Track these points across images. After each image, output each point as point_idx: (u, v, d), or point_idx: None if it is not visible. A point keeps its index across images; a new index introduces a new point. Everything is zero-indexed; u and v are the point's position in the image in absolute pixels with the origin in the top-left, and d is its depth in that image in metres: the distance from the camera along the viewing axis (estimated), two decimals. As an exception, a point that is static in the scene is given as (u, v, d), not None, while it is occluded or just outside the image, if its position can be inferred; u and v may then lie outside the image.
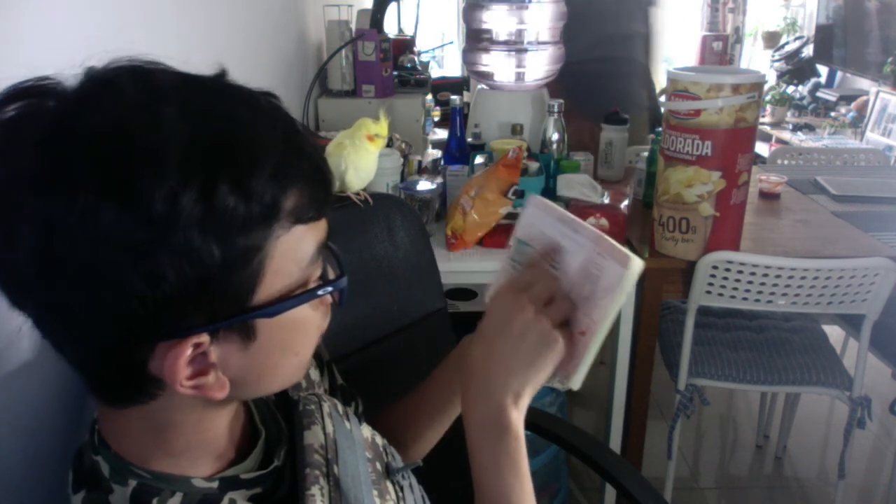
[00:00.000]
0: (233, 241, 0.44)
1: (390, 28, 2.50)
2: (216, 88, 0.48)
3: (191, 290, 0.43)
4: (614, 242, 0.63)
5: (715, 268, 1.52)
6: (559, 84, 2.14)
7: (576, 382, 0.64)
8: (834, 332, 1.93)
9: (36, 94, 0.44)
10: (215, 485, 0.53)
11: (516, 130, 1.97)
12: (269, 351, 0.51)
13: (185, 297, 0.43)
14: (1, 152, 0.43)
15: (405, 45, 2.50)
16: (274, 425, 0.63)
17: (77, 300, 0.43)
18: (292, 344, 0.53)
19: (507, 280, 0.67)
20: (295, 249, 0.48)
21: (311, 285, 0.52)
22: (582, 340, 0.63)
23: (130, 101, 0.43)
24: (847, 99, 4.07)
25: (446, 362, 0.82)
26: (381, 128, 1.25)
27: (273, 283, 0.48)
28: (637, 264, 0.61)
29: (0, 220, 0.42)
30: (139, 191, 0.41)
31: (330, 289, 0.53)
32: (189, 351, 0.46)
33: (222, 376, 0.49)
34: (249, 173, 0.44)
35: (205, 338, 0.46)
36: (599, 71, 2.22)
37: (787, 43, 4.64)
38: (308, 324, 0.53)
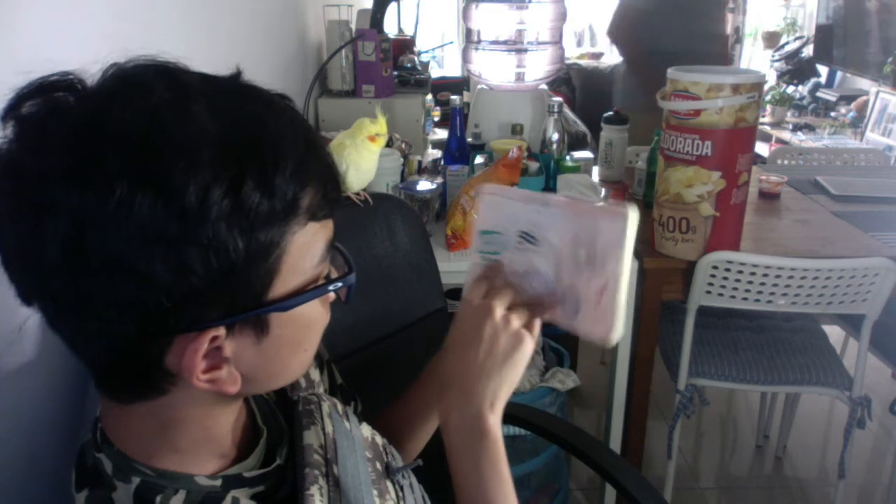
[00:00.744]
0: (255, 236, 0.45)
1: (390, 28, 2.50)
2: (237, 89, 0.49)
3: (214, 283, 0.44)
4: (593, 203, 0.64)
5: (715, 268, 1.52)
6: (646, 72, 2.39)
7: (615, 336, 0.65)
8: (834, 332, 1.93)
9: (61, 88, 0.45)
10: (218, 483, 0.53)
11: (516, 130, 1.97)
12: (280, 347, 0.52)
13: (209, 290, 0.44)
14: (30, 146, 0.43)
15: (405, 45, 2.50)
16: (275, 424, 0.63)
17: (102, 292, 0.43)
18: (302, 340, 0.54)
19: (467, 288, 0.68)
20: (308, 246, 0.50)
21: (322, 282, 0.53)
22: (605, 297, 0.64)
23: (160, 98, 0.44)
24: (847, 99, 4.07)
25: (434, 362, 0.83)
26: (381, 126, 1.25)
27: (288, 278, 0.49)
28: (632, 214, 0.62)
29: (28, 212, 0.43)
30: (174, 184, 0.42)
31: (340, 284, 0.54)
32: (206, 344, 0.46)
33: (235, 371, 0.50)
34: (273, 171, 0.45)
35: (221, 331, 0.47)
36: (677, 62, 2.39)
37: (787, 43, 4.64)
38: (318, 320, 0.55)
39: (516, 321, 0.64)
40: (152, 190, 0.41)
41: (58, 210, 0.42)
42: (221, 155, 0.43)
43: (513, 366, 0.63)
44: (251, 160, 0.44)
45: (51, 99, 0.44)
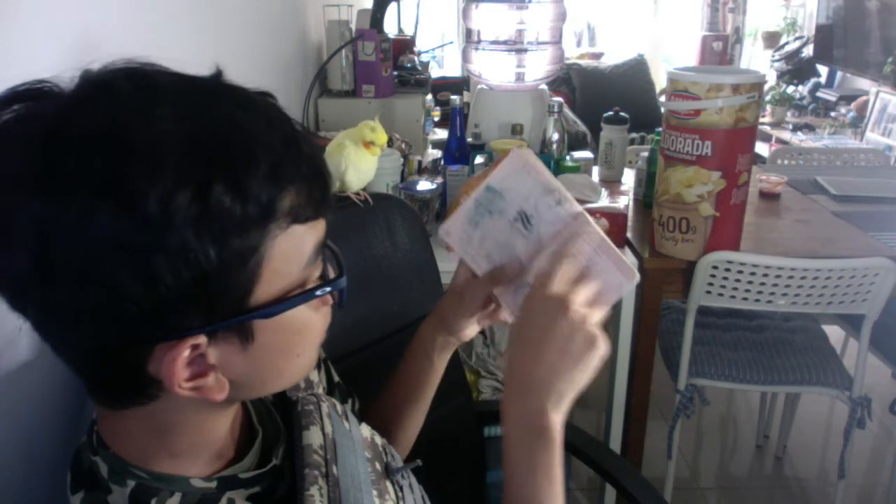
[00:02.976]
0: (229, 242, 0.43)
1: (390, 28, 2.50)
2: (212, 89, 0.47)
3: (188, 292, 0.43)
4: (603, 238, 0.64)
5: (715, 268, 1.52)
6: None
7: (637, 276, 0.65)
8: (834, 332, 1.93)
9: (33, 97, 0.44)
10: (213, 484, 0.53)
11: (516, 130, 1.97)
12: (270, 353, 0.50)
13: (182, 299, 0.43)
14: None
15: (405, 45, 2.50)
16: (271, 424, 0.63)
17: (74, 302, 0.43)
18: (293, 346, 0.52)
19: (537, 277, 0.64)
20: (293, 249, 0.48)
21: (310, 286, 0.51)
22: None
23: (125, 103, 0.43)
24: (847, 99, 4.07)
25: (413, 348, 0.83)
26: (379, 137, 1.24)
27: (271, 283, 0.47)
28: (636, 278, 0.63)
29: None
30: (134, 191, 0.40)
31: (328, 289, 0.52)
32: (187, 352, 0.45)
33: (222, 378, 0.49)
34: (245, 173, 0.43)
35: (202, 339, 0.46)
36: None
37: (787, 43, 4.64)
38: (309, 325, 0.53)
39: (593, 320, 0.60)
40: (113, 197, 0.40)
41: (23, 218, 0.41)
42: (187, 159, 0.42)
43: (584, 369, 0.60)
44: (220, 163, 0.43)
45: (21, 107, 0.43)
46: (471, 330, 0.79)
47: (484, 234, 0.71)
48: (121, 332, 0.44)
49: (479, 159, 1.78)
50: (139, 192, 0.40)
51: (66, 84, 0.45)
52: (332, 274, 0.55)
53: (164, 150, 0.41)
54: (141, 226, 0.41)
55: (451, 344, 0.81)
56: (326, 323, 0.56)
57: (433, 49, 3.34)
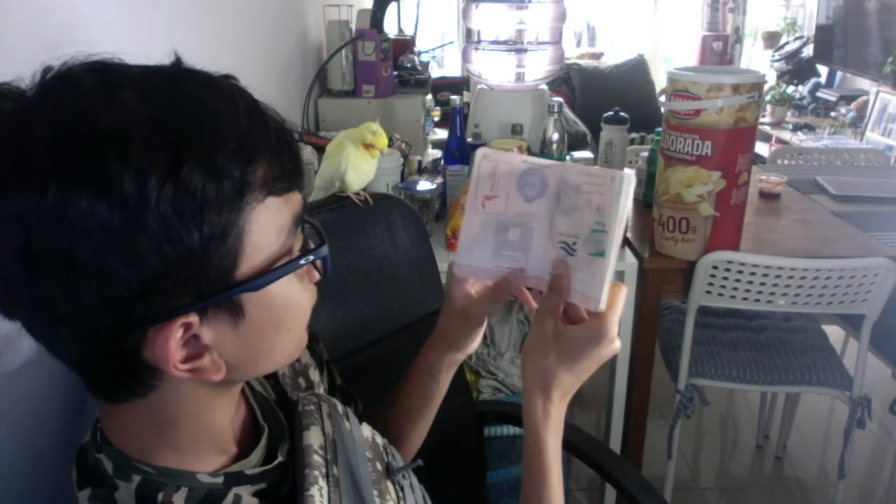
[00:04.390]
0: (207, 217, 0.44)
1: (390, 28, 2.50)
2: (173, 73, 0.48)
3: (173, 270, 0.43)
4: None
5: (715, 268, 1.52)
6: None
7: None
8: (834, 332, 1.93)
9: None
10: (220, 480, 0.54)
11: (516, 130, 1.98)
12: (261, 329, 0.51)
13: (169, 278, 0.44)
14: None
15: (405, 45, 2.50)
16: (275, 422, 0.63)
17: (63, 293, 0.43)
18: (283, 320, 0.53)
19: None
20: (272, 222, 0.49)
21: (293, 257, 0.52)
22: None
23: (88, 90, 0.43)
24: (847, 99, 4.07)
25: (416, 371, 0.82)
26: (379, 141, 1.24)
27: (253, 257, 0.48)
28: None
29: None
30: (108, 174, 0.41)
31: (311, 258, 0.53)
32: (180, 332, 0.46)
33: (218, 358, 0.49)
34: (214, 149, 0.44)
35: (193, 318, 0.46)
36: None
37: (787, 43, 4.64)
38: (296, 298, 0.53)
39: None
40: (87, 183, 0.41)
41: (2, 217, 0.41)
42: (155, 139, 0.42)
43: (589, 373, 0.67)
44: (189, 141, 0.43)
45: None
46: (477, 342, 0.80)
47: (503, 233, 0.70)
48: (112, 318, 0.44)
49: (479, 159, 1.78)
50: (113, 175, 0.41)
51: (27, 84, 0.45)
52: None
53: (132, 132, 0.42)
54: (119, 208, 0.41)
55: (457, 361, 0.81)
56: (313, 299, 0.56)
57: (433, 49, 3.34)
